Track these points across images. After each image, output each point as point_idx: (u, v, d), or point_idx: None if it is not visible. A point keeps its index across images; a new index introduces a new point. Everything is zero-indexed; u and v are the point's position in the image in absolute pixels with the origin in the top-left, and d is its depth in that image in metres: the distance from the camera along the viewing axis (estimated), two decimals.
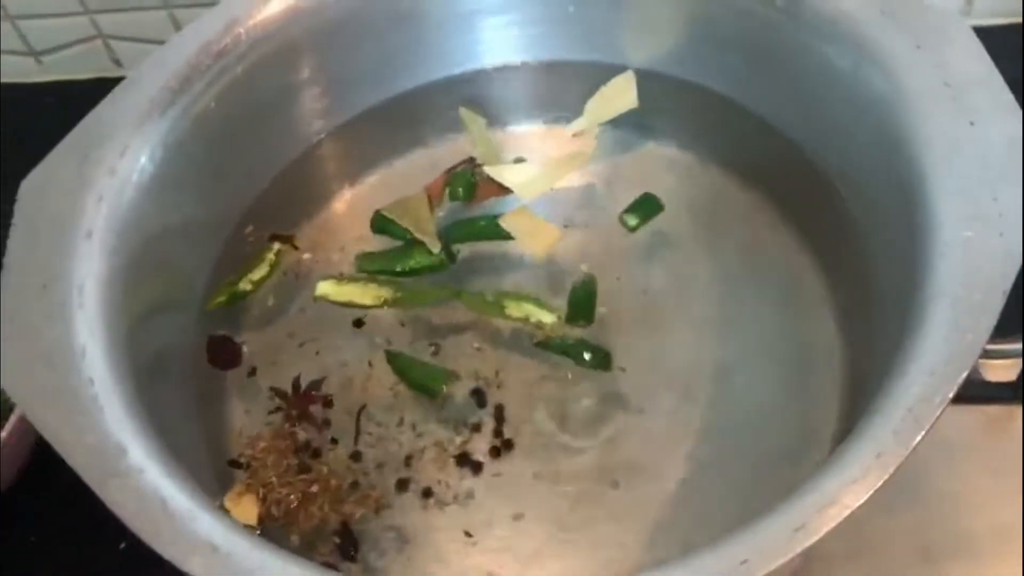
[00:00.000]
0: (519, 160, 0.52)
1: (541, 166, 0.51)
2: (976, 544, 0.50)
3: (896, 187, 0.41)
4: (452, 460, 0.45)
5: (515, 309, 0.47)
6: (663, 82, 0.52)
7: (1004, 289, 0.36)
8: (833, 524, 0.32)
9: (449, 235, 0.50)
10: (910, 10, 0.44)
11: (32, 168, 0.44)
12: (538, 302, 0.47)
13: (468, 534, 0.43)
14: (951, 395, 0.34)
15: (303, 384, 0.47)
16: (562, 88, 0.55)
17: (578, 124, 0.52)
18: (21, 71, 0.72)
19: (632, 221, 0.50)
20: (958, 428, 0.54)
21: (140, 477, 0.36)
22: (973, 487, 0.52)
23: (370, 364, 0.48)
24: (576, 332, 0.47)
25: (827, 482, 0.33)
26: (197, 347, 0.48)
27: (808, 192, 0.49)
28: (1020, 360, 0.53)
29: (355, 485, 0.45)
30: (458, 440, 0.46)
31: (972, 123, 0.40)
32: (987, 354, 0.55)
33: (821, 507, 0.33)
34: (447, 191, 0.51)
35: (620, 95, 0.51)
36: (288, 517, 0.43)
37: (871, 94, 0.43)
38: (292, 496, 0.43)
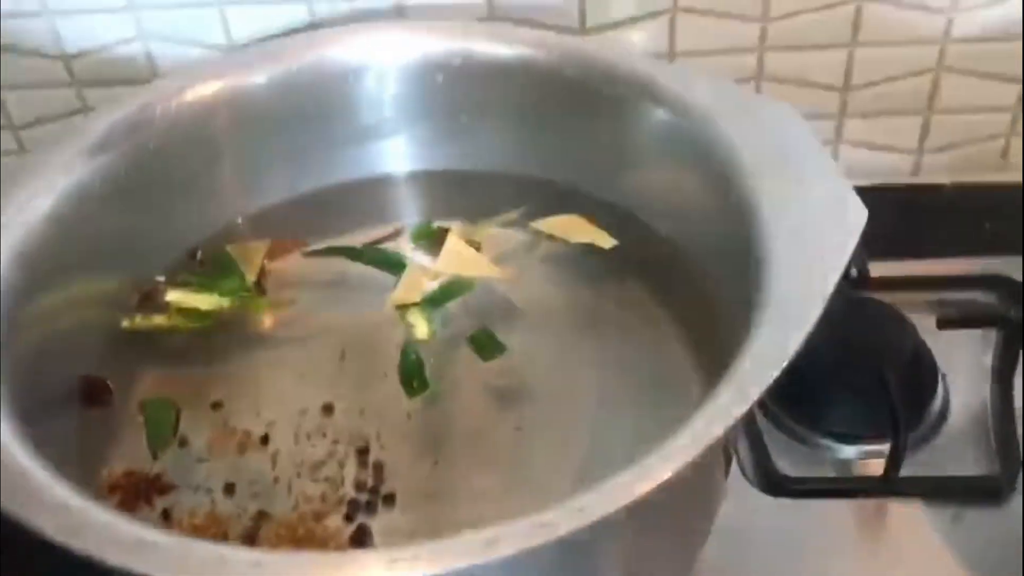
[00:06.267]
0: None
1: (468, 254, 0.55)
2: None
3: (737, 237, 0.46)
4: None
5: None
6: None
7: (823, 296, 0.40)
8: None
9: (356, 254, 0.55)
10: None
11: None
12: (429, 315, 0.51)
13: None
14: (766, 387, 0.38)
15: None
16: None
17: None
18: None
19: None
20: (834, 519, 0.56)
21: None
22: (847, 571, 0.54)
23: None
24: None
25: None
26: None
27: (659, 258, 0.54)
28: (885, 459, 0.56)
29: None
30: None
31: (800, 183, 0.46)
32: (864, 455, 0.59)
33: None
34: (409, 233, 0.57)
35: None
36: None
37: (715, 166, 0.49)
38: None
